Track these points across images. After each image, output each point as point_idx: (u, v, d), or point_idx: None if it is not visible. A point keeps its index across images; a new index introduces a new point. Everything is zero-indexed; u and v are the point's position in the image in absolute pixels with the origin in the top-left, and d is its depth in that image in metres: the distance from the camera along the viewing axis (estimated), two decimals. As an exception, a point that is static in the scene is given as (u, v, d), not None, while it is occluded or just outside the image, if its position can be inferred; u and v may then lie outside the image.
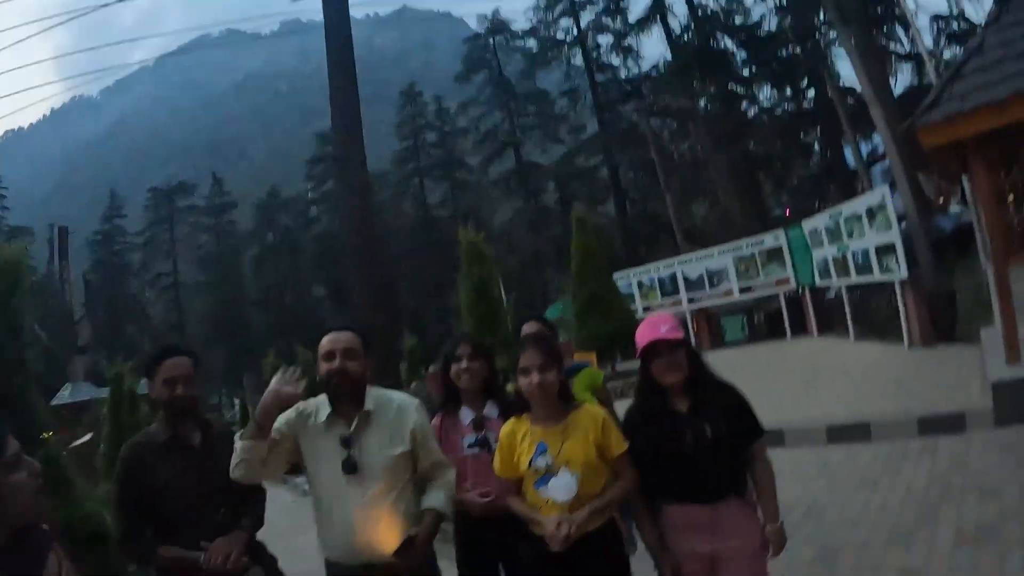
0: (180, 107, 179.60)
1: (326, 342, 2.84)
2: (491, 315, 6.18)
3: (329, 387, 2.80)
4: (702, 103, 30.43)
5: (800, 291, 14.44)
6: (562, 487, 2.74)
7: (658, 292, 16.91)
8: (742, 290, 15.38)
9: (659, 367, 2.85)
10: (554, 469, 2.76)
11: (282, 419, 2.77)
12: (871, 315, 12.29)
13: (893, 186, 13.06)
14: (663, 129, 32.86)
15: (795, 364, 10.38)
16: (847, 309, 12.48)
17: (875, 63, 15.53)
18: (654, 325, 2.90)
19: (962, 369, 8.22)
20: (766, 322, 15.75)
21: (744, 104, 31.99)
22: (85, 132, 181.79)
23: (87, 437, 11.11)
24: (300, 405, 2.85)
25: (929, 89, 8.63)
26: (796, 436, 7.26)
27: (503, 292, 6.72)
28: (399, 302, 18.06)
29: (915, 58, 26.11)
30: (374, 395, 2.90)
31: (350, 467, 2.70)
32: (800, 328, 14.31)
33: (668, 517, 2.93)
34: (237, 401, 31.50)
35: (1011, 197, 6.44)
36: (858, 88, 23.61)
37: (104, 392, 10.88)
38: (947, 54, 23.67)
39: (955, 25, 24.78)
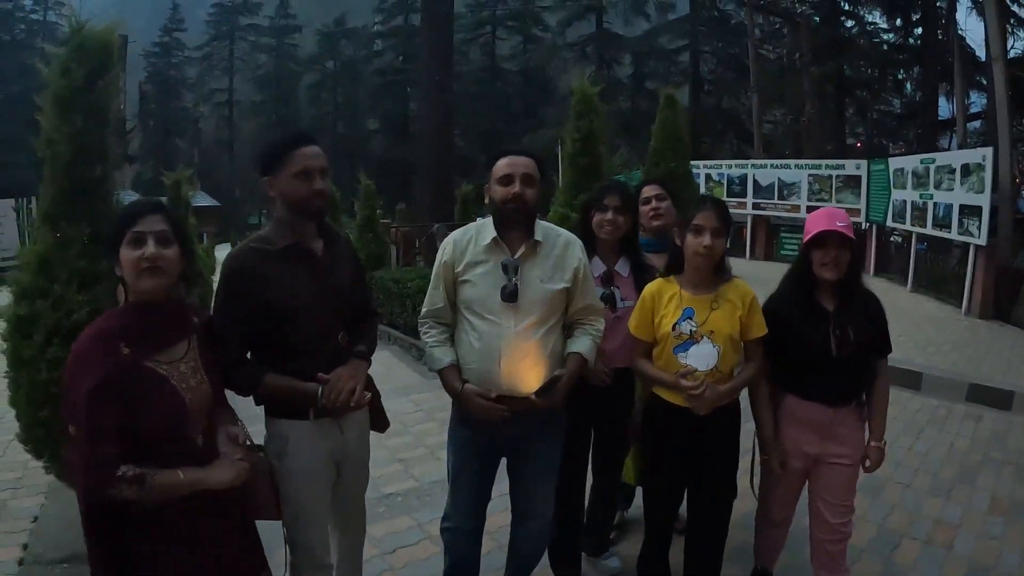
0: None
1: (504, 164, 2.70)
2: (593, 169, 6.00)
3: (505, 212, 2.68)
4: (805, 8, 28.73)
5: (866, 227, 14.10)
6: (703, 356, 2.75)
7: (725, 190, 16.48)
8: (809, 210, 14.75)
9: (822, 259, 2.81)
10: (697, 336, 2.75)
11: (444, 263, 2.76)
12: (933, 270, 12.05)
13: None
14: (757, 27, 31.25)
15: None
16: (912, 258, 12.21)
17: (1003, 21, 14.44)
18: (831, 217, 2.83)
19: (1016, 350, 8.18)
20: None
21: (849, 22, 30.23)
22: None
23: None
24: (452, 241, 2.79)
25: None
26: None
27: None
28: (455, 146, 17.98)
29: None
30: (542, 226, 2.78)
31: (510, 295, 2.62)
32: (856, 263, 14.12)
33: (787, 410, 3.00)
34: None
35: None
36: (968, 39, 22.44)
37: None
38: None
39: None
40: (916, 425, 5.97)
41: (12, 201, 17.39)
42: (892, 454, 5.17)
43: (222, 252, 3.35)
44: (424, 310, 2.84)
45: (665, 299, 2.84)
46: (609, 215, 3.14)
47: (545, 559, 3.37)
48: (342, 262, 2.62)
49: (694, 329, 2.75)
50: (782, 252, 15.48)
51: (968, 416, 6.23)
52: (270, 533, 2.50)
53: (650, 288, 2.91)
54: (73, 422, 1.89)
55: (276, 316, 2.37)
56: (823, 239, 2.78)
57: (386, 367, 8.79)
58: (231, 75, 52.12)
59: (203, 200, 33.68)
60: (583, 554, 3.55)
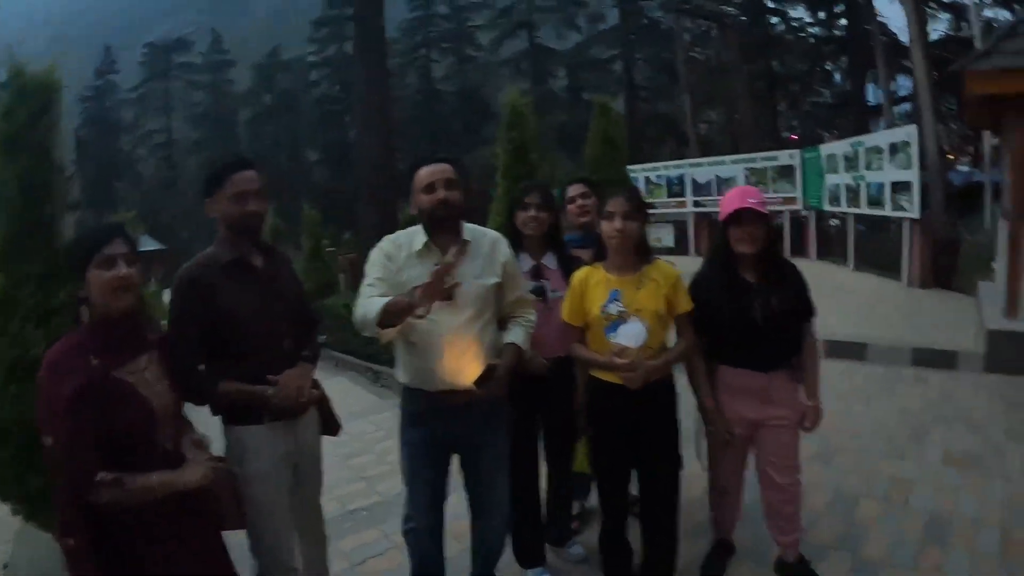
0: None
1: (426, 174, 2.78)
2: (527, 178, 6.10)
3: (432, 218, 2.77)
4: (732, 9, 29.51)
5: (805, 213, 14.45)
6: (632, 334, 2.82)
7: (665, 191, 16.73)
8: (749, 202, 15.21)
9: (738, 235, 2.97)
10: (625, 316, 2.84)
11: (380, 270, 2.77)
12: (872, 248, 12.40)
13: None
14: (687, 31, 31.94)
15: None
16: (850, 238, 12.54)
17: (920, 5, 15.04)
18: (743, 194, 3.00)
19: (957, 314, 8.40)
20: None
21: (775, 19, 31.15)
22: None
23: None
24: (387, 246, 2.84)
25: (964, 42, 8.56)
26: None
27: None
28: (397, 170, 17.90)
29: (953, 8, 25.62)
30: (470, 228, 2.90)
31: (446, 294, 2.68)
32: (799, 250, 14.36)
33: (723, 380, 3.14)
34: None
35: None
36: (891, 27, 23.28)
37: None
38: (987, 13, 23.09)
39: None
40: (865, 393, 6.10)
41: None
42: (843, 421, 5.34)
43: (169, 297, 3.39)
44: (361, 297, 2.76)
45: (592, 284, 2.94)
46: (532, 212, 3.30)
47: (511, 553, 3.45)
48: (282, 275, 2.82)
49: (621, 310, 2.85)
50: (725, 246, 15.72)
51: (915, 379, 6.39)
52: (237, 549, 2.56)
53: (578, 275, 3.01)
54: (50, 433, 1.99)
55: (225, 325, 2.53)
56: (738, 216, 2.94)
57: (343, 392, 8.80)
58: (168, 114, 51.43)
59: (149, 244, 32.99)
60: (547, 545, 3.61)
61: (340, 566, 3.68)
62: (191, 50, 51.85)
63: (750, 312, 2.97)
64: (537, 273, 3.35)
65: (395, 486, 4.80)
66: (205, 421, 2.59)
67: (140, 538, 2.10)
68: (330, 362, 10.95)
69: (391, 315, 2.46)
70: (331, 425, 3.00)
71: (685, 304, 2.95)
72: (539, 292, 3.29)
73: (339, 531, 4.12)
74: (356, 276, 14.80)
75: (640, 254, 2.95)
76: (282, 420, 2.64)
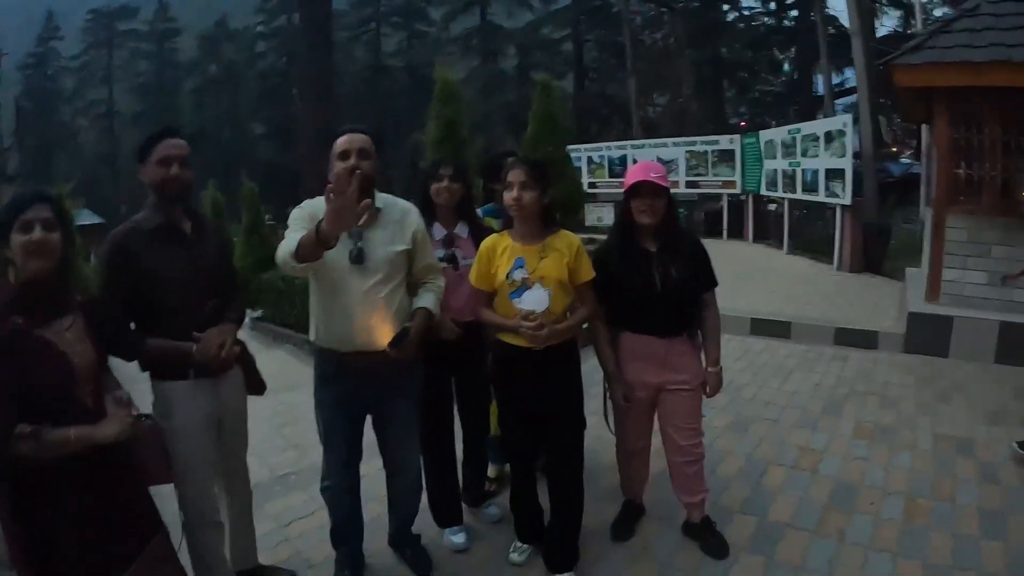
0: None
1: (341, 142, 2.91)
2: (456, 155, 6.19)
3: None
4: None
5: (743, 197, 14.74)
6: (535, 299, 2.95)
7: (606, 171, 16.96)
8: (688, 184, 15.48)
9: (639, 207, 3.11)
10: (529, 283, 2.96)
11: (302, 224, 2.81)
12: (807, 233, 12.73)
13: (855, 120, 13.25)
14: (637, 14, 32.07)
15: (728, 262, 10.67)
16: (785, 222, 12.85)
17: (866, -1, 15.41)
18: (645, 169, 3.15)
19: (882, 297, 8.69)
20: (705, 220, 16.06)
21: (725, 7, 31.52)
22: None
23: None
24: (309, 207, 2.91)
25: (910, 39, 8.79)
26: (722, 322, 7.60)
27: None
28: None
29: (904, 6, 26.25)
30: (383, 197, 3.03)
31: (357, 257, 2.83)
32: (737, 232, 14.67)
33: (625, 346, 3.28)
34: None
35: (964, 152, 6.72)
36: (841, 20, 23.68)
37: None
38: (937, 12, 23.66)
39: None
40: (785, 368, 6.30)
41: None
42: (760, 394, 5.54)
43: None
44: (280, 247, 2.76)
45: (499, 251, 3.05)
46: (444, 183, 3.45)
47: (430, 515, 3.58)
48: (209, 241, 2.92)
49: (526, 276, 2.97)
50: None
51: (835, 357, 6.61)
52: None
53: (486, 243, 3.12)
54: None
55: (151, 286, 2.66)
56: (638, 189, 3.08)
57: (280, 364, 8.76)
58: (111, 84, 49.88)
59: (87, 218, 32.09)
60: (464, 506, 3.74)
61: (267, 527, 3.75)
62: (136, 17, 50.17)
63: (650, 280, 3.11)
64: (449, 242, 3.50)
65: (325, 454, 4.88)
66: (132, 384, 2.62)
67: (65, 492, 2.17)
68: (268, 336, 10.87)
69: (306, 248, 2.51)
70: (256, 384, 3.13)
71: (587, 273, 3.06)
72: (451, 260, 3.44)
73: (268, 494, 4.20)
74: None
75: (545, 224, 3.06)
76: (207, 377, 2.79)
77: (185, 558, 2.76)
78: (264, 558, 3.39)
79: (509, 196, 2.95)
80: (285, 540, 3.72)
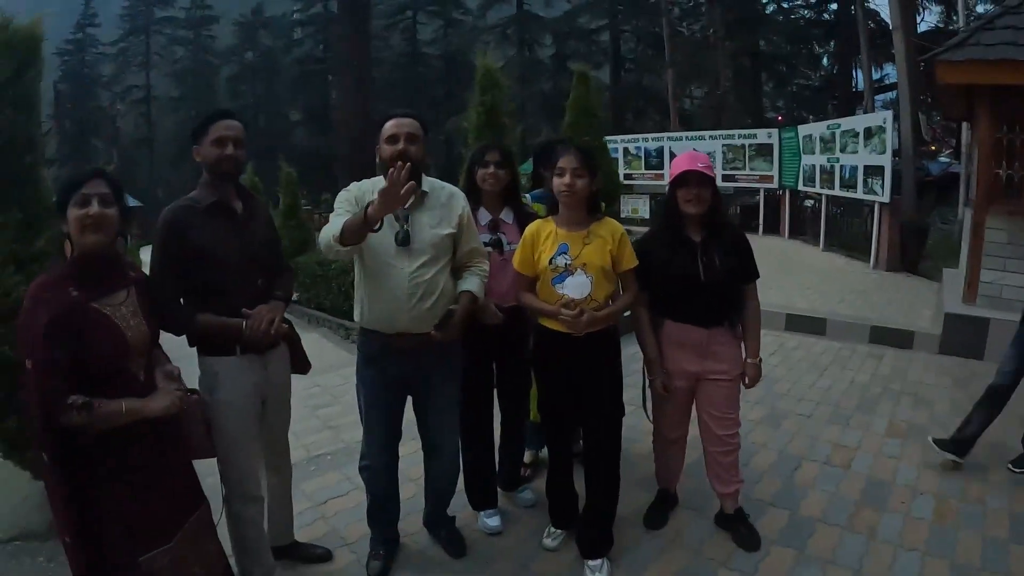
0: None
1: (390, 126, 2.96)
2: (497, 142, 6.25)
3: (392, 167, 2.89)
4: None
5: (780, 192, 14.62)
6: (577, 285, 2.99)
7: (643, 162, 16.87)
8: (725, 178, 15.31)
9: (686, 196, 3.13)
10: (572, 269, 2.99)
11: (346, 206, 2.93)
12: (843, 230, 12.60)
13: (895, 117, 13.06)
14: (675, 4, 31.79)
15: (764, 257, 10.50)
16: (822, 218, 12.75)
17: (908, -7, 15.05)
18: (692, 159, 3.16)
19: (919, 297, 8.63)
20: (740, 214, 15.95)
21: (764, -2, 31.14)
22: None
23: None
24: (355, 190, 3.01)
25: (952, 35, 8.60)
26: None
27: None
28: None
29: (946, 1, 25.74)
30: (429, 181, 3.07)
31: (403, 239, 2.88)
32: (772, 227, 14.58)
33: (667, 334, 3.30)
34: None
35: (1005, 152, 6.62)
36: (882, 14, 23.29)
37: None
38: (980, 7, 23.21)
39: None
40: (820, 365, 6.29)
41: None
42: (795, 390, 5.53)
43: (147, 254, 3.56)
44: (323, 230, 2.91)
45: (543, 237, 3.09)
46: (491, 169, 3.48)
47: (465, 497, 3.64)
48: (258, 219, 2.99)
49: (568, 262, 3.00)
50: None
51: (870, 355, 6.58)
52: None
53: (530, 228, 3.16)
54: (29, 356, 2.11)
55: (203, 262, 2.71)
56: (685, 178, 3.11)
57: (315, 347, 8.86)
58: (148, 70, 50.04)
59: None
60: (499, 489, 3.78)
61: (303, 505, 3.81)
62: (173, 4, 50.27)
63: (693, 269, 3.13)
64: (495, 227, 3.52)
65: (360, 434, 4.93)
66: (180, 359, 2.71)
67: (112, 462, 2.22)
68: (303, 318, 11.02)
69: (351, 231, 2.61)
70: (301, 363, 3.19)
71: (630, 260, 3.09)
72: (496, 244, 3.46)
73: (304, 474, 4.27)
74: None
75: (590, 211, 3.10)
76: (254, 353, 2.84)
77: (223, 532, 2.83)
78: (300, 536, 3.46)
79: (561, 182, 2.98)
80: (321, 518, 3.79)
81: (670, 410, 3.42)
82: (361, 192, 2.98)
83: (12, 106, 3.40)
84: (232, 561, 2.88)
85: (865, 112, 16.91)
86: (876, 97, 21.37)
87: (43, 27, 3.57)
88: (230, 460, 2.84)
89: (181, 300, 2.77)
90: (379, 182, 2.97)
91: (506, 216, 3.57)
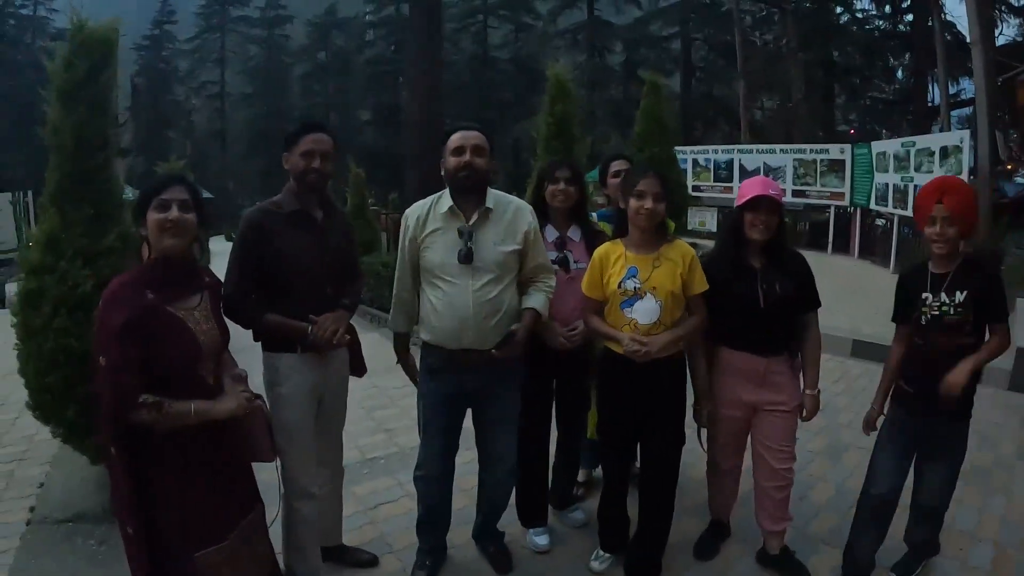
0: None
1: (456, 138, 3.01)
2: (567, 152, 6.19)
3: (456, 180, 2.97)
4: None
5: (851, 210, 14.30)
6: (646, 310, 2.97)
7: (712, 174, 16.72)
8: (795, 193, 15.07)
9: (753, 221, 3.07)
10: (641, 293, 2.97)
11: (408, 239, 3.05)
12: (915, 252, 12.24)
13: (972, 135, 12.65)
14: (748, 13, 31.33)
15: (831, 277, 10.36)
16: (894, 239, 12.39)
17: (986, 6, 14.52)
18: (765, 184, 3.10)
19: (990, 328, 8.27)
20: (809, 231, 15.64)
21: (838, 8, 30.44)
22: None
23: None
24: (411, 215, 3.10)
25: None
26: (823, 341, 7.41)
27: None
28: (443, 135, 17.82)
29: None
30: (494, 195, 3.08)
31: (465, 257, 2.90)
32: (842, 247, 14.23)
33: (724, 361, 3.24)
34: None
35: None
36: (959, 25, 22.57)
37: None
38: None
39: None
40: (883, 395, 6.10)
41: (9, 195, 17.50)
42: (857, 421, 5.25)
43: (216, 245, 3.67)
44: (395, 293, 3.24)
45: (612, 259, 3.08)
46: (561, 186, 3.46)
47: (515, 513, 3.65)
48: (337, 230, 3.11)
49: (638, 286, 2.99)
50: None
51: (937, 388, 6.35)
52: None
53: (599, 251, 3.15)
54: (103, 354, 2.19)
55: (278, 265, 2.86)
56: (756, 203, 3.04)
57: (375, 347, 8.93)
58: (222, 67, 51.72)
59: (196, 193, 33.42)
60: (551, 508, 3.79)
61: (353, 508, 3.89)
62: (248, 4, 51.79)
63: (753, 295, 3.07)
64: (562, 244, 3.51)
65: (414, 439, 4.89)
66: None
67: (177, 459, 2.30)
68: (366, 318, 11.14)
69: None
70: (358, 367, 3.31)
71: (700, 284, 3.06)
72: (563, 263, 3.45)
73: (356, 477, 4.35)
74: (397, 236, 14.91)
75: (661, 234, 3.08)
76: (314, 352, 2.94)
77: (277, 531, 2.93)
78: (348, 539, 3.53)
79: (641, 205, 2.96)
80: (370, 523, 3.85)
81: (725, 440, 3.38)
82: (424, 212, 3.06)
83: (86, 106, 3.51)
84: (280, 559, 2.94)
85: (941, 128, 16.45)
86: (952, 113, 20.75)
87: (120, 27, 3.67)
88: (290, 453, 2.93)
89: (252, 296, 2.90)
90: (441, 197, 3.05)
91: (573, 234, 3.55)
